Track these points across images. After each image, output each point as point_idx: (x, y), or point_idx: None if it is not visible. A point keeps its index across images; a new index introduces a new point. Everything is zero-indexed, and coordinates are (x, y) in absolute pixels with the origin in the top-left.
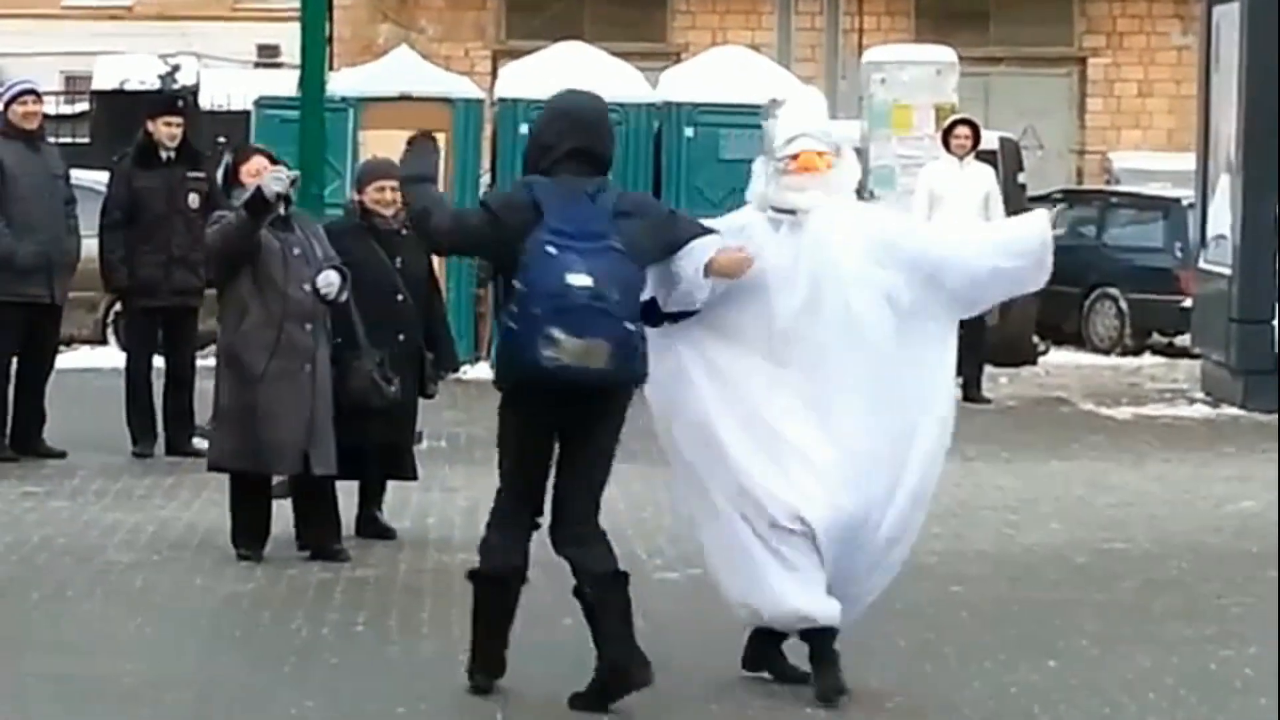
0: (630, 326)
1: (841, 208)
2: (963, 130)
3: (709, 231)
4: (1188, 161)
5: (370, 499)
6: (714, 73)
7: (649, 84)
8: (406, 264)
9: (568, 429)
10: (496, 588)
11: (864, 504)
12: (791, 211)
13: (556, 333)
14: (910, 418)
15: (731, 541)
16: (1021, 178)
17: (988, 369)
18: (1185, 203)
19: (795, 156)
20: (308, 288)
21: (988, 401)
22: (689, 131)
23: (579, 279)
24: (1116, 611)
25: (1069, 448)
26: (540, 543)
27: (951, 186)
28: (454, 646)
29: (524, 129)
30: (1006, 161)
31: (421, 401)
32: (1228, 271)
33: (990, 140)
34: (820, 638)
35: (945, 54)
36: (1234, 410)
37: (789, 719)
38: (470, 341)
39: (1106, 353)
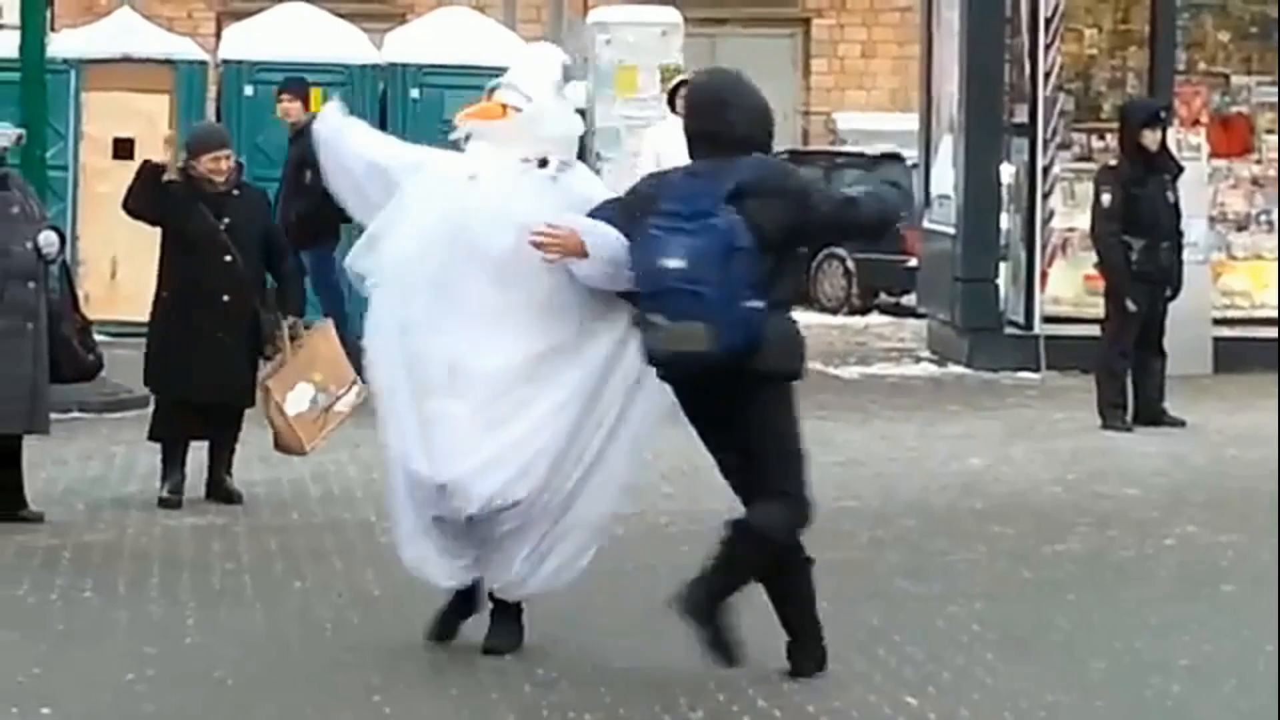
0: (742, 304)
1: (510, 165)
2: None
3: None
4: (911, 122)
5: (217, 462)
6: (439, 34)
7: (374, 45)
8: (235, 225)
9: (713, 414)
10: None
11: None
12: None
13: (656, 318)
14: (583, 400)
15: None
16: None
17: None
18: (909, 163)
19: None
20: (29, 245)
21: None
22: (414, 93)
23: (673, 261)
24: (845, 569)
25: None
26: None
27: (676, 147)
28: (182, 611)
29: (248, 90)
30: None
31: None
32: (951, 231)
33: None
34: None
35: (670, 15)
36: (960, 369)
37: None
38: None
39: (834, 312)
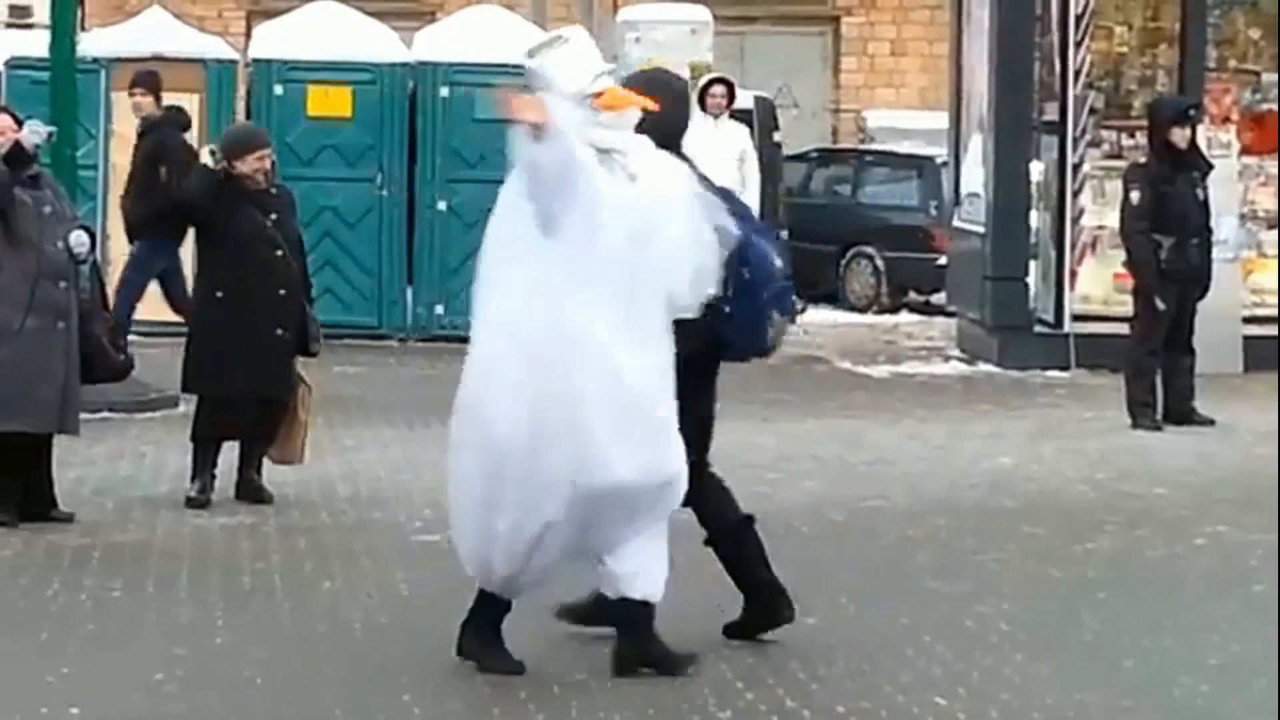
0: None
1: (660, 153)
2: (718, 89)
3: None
4: (941, 120)
5: (247, 463)
6: (469, 32)
7: (404, 44)
8: (280, 222)
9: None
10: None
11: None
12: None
13: (774, 314)
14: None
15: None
16: (777, 136)
17: None
18: (939, 161)
19: (600, 95)
20: (61, 245)
21: None
22: (444, 91)
23: (779, 263)
24: (874, 568)
25: (826, 406)
26: None
27: (706, 145)
28: (211, 611)
29: (278, 90)
30: (762, 120)
31: None
32: (981, 229)
33: (745, 99)
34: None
35: (700, 13)
36: (989, 367)
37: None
38: None
39: (863, 311)
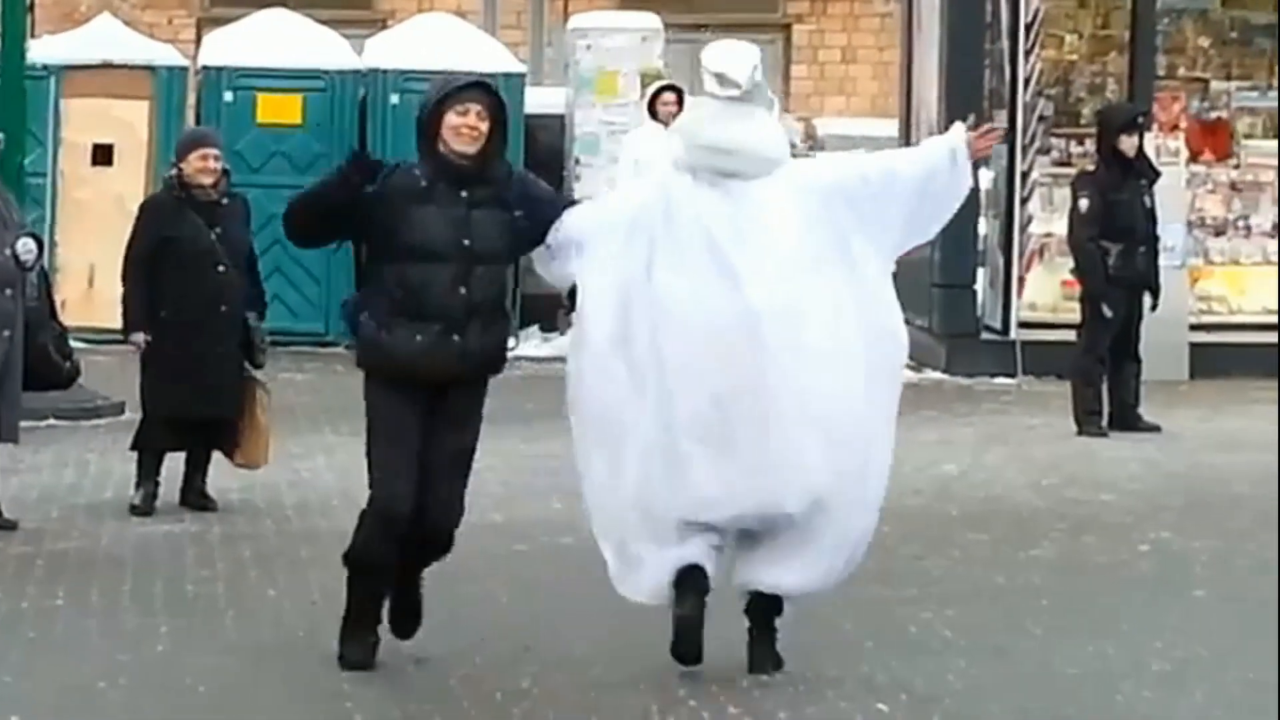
0: None
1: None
2: (668, 96)
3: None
4: (891, 127)
5: (194, 470)
6: (419, 39)
7: (355, 51)
8: (226, 234)
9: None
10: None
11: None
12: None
13: None
14: (862, 367)
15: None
16: None
17: None
18: None
19: None
20: (8, 252)
21: None
22: (395, 99)
23: None
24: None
25: None
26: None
27: (657, 153)
28: (154, 619)
29: (228, 97)
30: None
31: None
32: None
33: None
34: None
35: (650, 20)
36: (936, 374)
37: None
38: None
39: None
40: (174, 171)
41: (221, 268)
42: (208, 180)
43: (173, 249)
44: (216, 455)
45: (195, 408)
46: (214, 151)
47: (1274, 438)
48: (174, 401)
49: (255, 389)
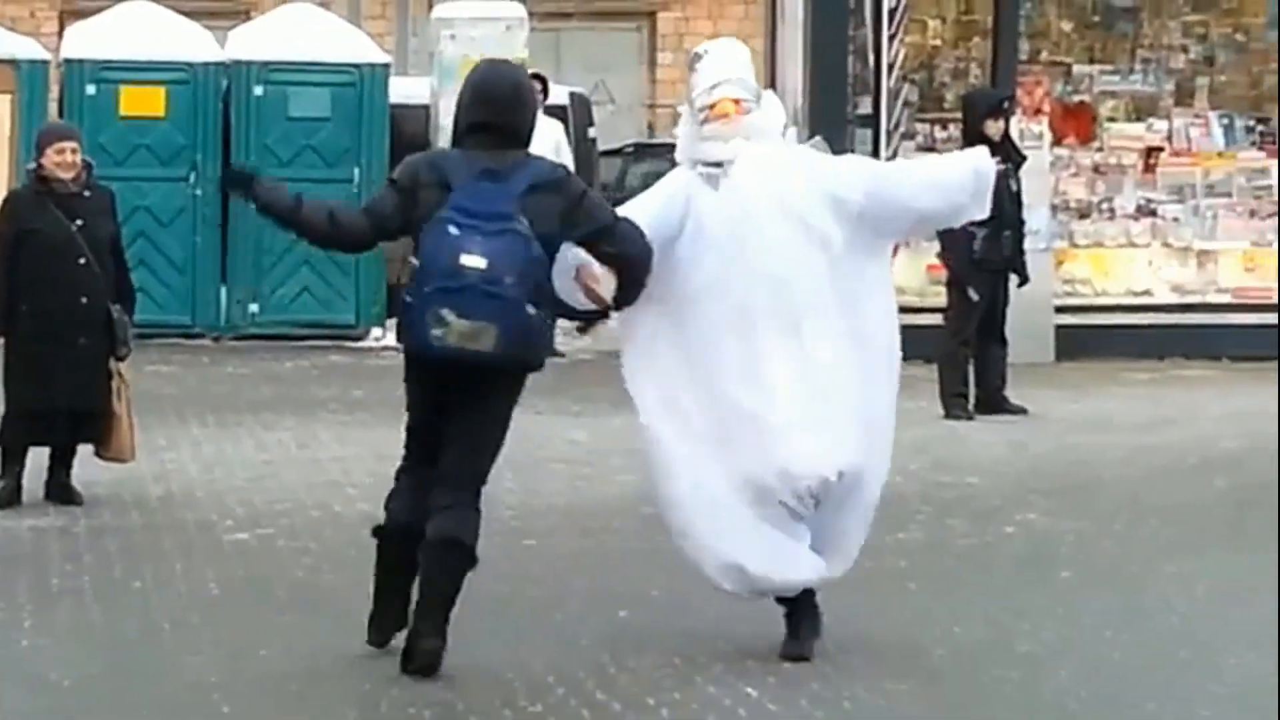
0: (530, 311)
1: (766, 154)
2: (533, 85)
3: (615, 220)
4: None
5: (59, 463)
6: (283, 31)
7: (218, 43)
8: (88, 226)
9: (451, 404)
10: (391, 543)
11: (850, 458)
12: (718, 164)
13: (446, 313)
14: (859, 358)
15: (714, 509)
16: (592, 132)
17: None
18: None
19: (713, 106)
20: None
21: None
22: (258, 90)
23: (473, 260)
24: (684, 562)
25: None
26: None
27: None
28: (18, 613)
29: (90, 90)
30: (577, 116)
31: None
32: None
33: (560, 95)
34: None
35: (515, 9)
36: None
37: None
38: (383, 307)
39: None
40: (34, 165)
41: (83, 260)
42: (67, 174)
43: (33, 242)
44: (83, 449)
45: (57, 400)
46: (71, 145)
47: (1141, 419)
48: (36, 395)
49: (116, 382)
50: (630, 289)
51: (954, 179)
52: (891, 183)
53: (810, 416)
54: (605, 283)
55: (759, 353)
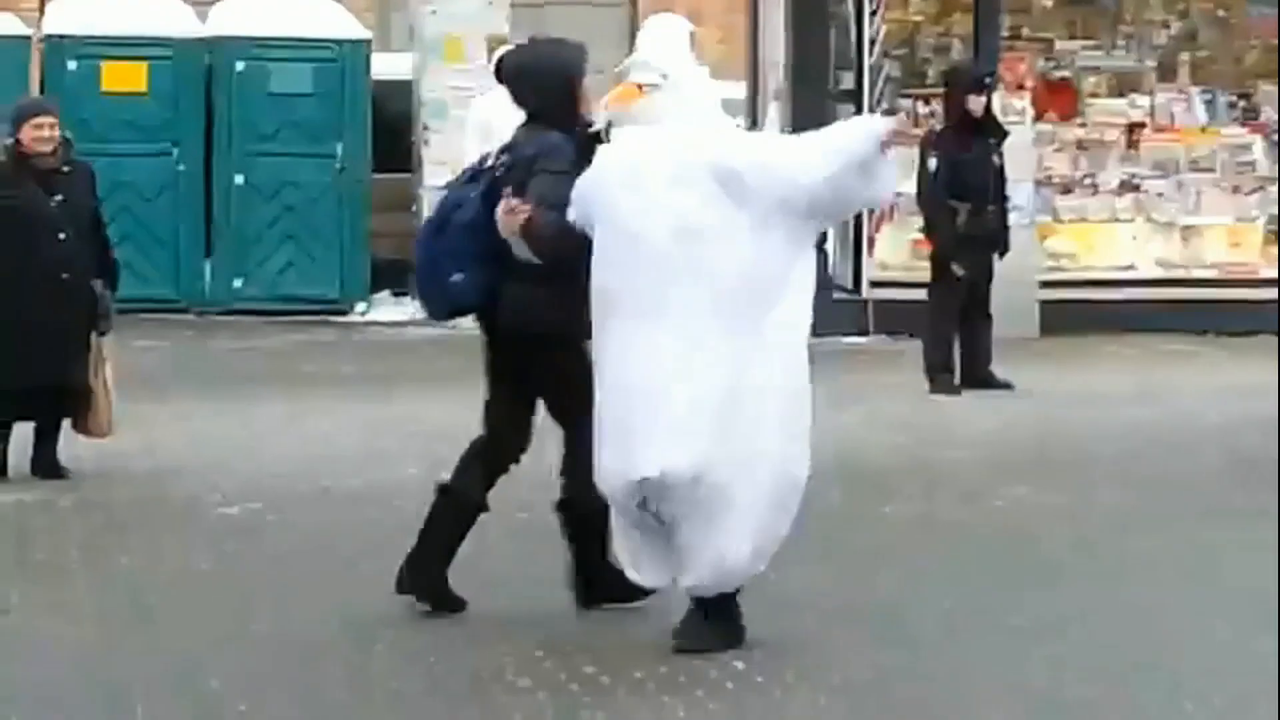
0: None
1: (645, 136)
2: None
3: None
4: (739, 90)
5: (44, 438)
6: (265, 6)
7: (199, 19)
8: (68, 201)
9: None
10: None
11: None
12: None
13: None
14: (749, 343)
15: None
16: None
17: None
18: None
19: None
20: None
21: None
22: (240, 66)
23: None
24: None
25: None
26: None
27: (504, 117)
28: (6, 586)
29: (72, 66)
30: None
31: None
32: None
33: None
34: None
35: None
36: None
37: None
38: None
39: None
40: (11, 140)
41: (63, 235)
42: (45, 149)
43: (11, 217)
44: (67, 425)
45: (40, 376)
46: (49, 120)
47: (1127, 393)
48: (18, 370)
49: (94, 357)
50: (535, 240)
51: (842, 142)
52: (775, 150)
53: (634, 417)
54: (519, 213)
55: (602, 344)
